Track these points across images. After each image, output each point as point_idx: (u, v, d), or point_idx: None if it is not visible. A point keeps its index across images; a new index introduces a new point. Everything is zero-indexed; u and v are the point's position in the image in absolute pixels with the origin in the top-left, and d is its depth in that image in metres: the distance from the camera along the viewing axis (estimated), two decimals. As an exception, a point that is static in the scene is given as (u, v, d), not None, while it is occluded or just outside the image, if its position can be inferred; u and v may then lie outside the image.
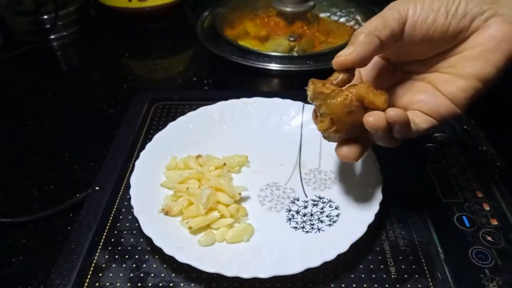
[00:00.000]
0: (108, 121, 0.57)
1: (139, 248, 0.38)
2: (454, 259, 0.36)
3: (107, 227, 0.40)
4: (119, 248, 0.38)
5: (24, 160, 0.53)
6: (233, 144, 0.47)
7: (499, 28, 0.30)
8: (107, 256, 0.37)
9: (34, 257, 0.41)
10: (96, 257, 0.37)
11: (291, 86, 0.62)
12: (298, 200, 0.41)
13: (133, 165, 0.43)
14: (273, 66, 0.60)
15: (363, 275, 0.35)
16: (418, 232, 0.39)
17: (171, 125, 0.48)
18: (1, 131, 0.57)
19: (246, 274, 0.33)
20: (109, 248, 0.38)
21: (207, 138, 0.48)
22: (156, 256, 0.37)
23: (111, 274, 0.36)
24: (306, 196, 0.42)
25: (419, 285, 0.34)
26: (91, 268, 0.36)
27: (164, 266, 0.36)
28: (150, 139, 0.46)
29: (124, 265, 0.36)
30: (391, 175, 0.43)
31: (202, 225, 0.38)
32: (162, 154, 0.45)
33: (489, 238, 0.38)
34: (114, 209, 0.41)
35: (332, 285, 0.35)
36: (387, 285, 0.34)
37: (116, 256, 0.37)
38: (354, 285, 0.35)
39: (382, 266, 0.36)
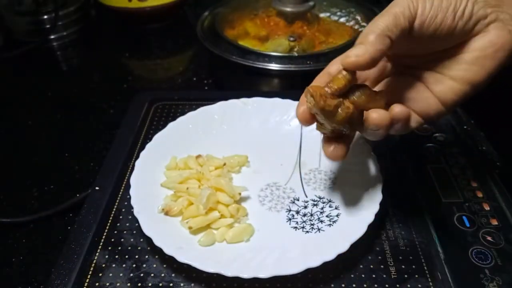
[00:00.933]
0: (108, 121, 0.57)
1: (139, 248, 0.38)
2: (454, 259, 0.36)
3: (107, 227, 0.40)
4: (119, 248, 0.38)
5: (24, 160, 0.53)
6: (233, 144, 0.47)
7: (498, 35, 0.30)
8: (107, 256, 0.37)
9: (34, 257, 0.41)
10: (96, 257, 0.37)
11: (291, 86, 0.62)
12: (298, 200, 0.41)
13: (133, 165, 0.43)
14: (273, 66, 0.60)
15: (363, 275, 0.35)
16: (418, 232, 0.39)
17: (171, 125, 0.48)
18: (1, 131, 0.58)
19: (246, 274, 0.33)
20: (109, 248, 0.38)
21: (207, 138, 0.48)
22: (156, 256, 0.37)
23: (111, 274, 0.36)
24: (306, 196, 0.42)
25: (419, 285, 0.34)
26: (91, 268, 0.36)
27: (164, 266, 0.36)
28: (150, 139, 0.46)
29: (124, 265, 0.36)
30: (391, 175, 0.43)
31: (202, 225, 0.38)
32: (162, 154, 0.45)
33: (489, 238, 0.38)
34: (114, 209, 0.41)
35: (332, 285, 0.35)
36: (387, 285, 0.34)
37: (116, 256, 0.37)
38: (354, 285, 0.35)
39: (382, 266, 0.36)
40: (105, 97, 0.63)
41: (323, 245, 0.35)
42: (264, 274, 0.33)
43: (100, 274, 0.36)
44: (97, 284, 0.35)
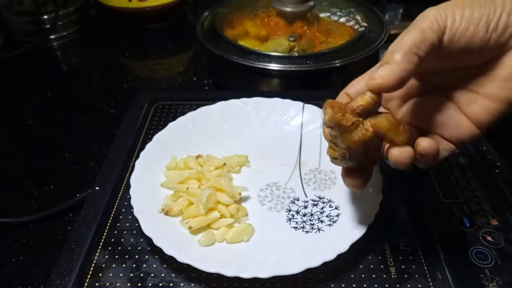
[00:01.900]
0: (108, 121, 0.57)
1: (139, 248, 0.38)
2: (454, 259, 0.36)
3: (107, 227, 0.40)
4: (119, 248, 0.38)
5: (24, 160, 0.53)
6: (233, 144, 0.47)
7: None
8: (107, 256, 0.37)
9: (34, 257, 0.41)
10: (96, 257, 0.37)
11: (291, 86, 0.62)
12: (298, 200, 0.41)
13: (133, 165, 0.43)
14: (273, 66, 0.60)
15: (363, 275, 0.35)
16: (418, 232, 0.39)
17: (171, 125, 0.47)
18: (1, 131, 0.58)
19: (246, 274, 0.33)
20: (109, 248, 0.38)
21: (207, 138, 0.48)
22: (156, 256, 0.37)
23: (111, 274, 0.36)
24: (306, 196, 0.42)
25: (419, 285, 0.34)
26: (91, 268, 0.36)
27: (164, 266, 0.36)
28: (150, 139, 0.46)
29: (124, 265, 0.36)
30: (391, 175, 0.43)
31: (202, 225, 0.38)
32: (162, 154, 0.45)
33: (489, 238, 0.38)
34: (114, 209, 0.41)
35: (332, 285, 0.35)
36: (387, 285, 0.34)
37: (116, 256, 0.37)
38: (354, 285, 0.35)
39: (382, 266, 0.36)
40: (105, 97, 0.63)
41: (323, 245, 0.35)
42: (264, 274, 0.33)
43: (100, 274, 0.36)
44: (97, 284, 0.35)
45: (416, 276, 0.35)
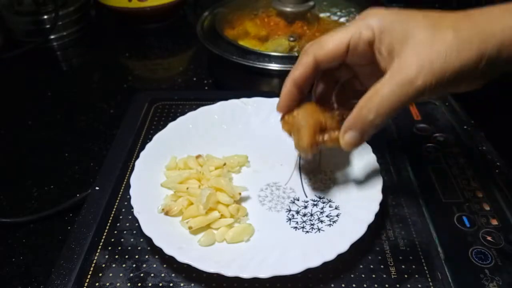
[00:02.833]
0: (108, 121, 0.57)
1: (139, 248, 0.38)
2: (454, 259, 0.36)
3: (107, 227, 0.40)
4: (119, 248, 0.38)
5: (24, 160, 0.53)
6: (233, 144, 0.47)
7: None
8: (107, 256, 0.37)
9: (34, 257, 0.41)
10: (96, 257, 0.37)
11: (291, 86, 0.61)
12: (298, 200, 0.41)
13: (133, 165, 0.43)
14: (273, 66, 0.60)
15: (363, 275, 0.35)
16: (418, 232, 0.39)
17: (171, 125, 0.47)
18: (1, 131, 0.58)
19: (246, 274, 0.33)
20: (109, 248, 0.38)
21: (207, 138, 0.48)
22: (156, 256, 0.37)
23: (111, 274, 0.36)
24: (306, 196, 0.42)
25: (419, 285, 0.34)
26: (91, 268, 0.36)
27: (164, 266, 0.36)
28: (150, 139, 0.46)
29: (124, 265, 0.36)
30: (391, 175, 0.44)
31: (202, 225, 0.38)
32: (162, 154, 0.45)
33: (489, 238, 0.38)
34: (114, 209, 0.41)
35: (332, 285, 0.35)
36: (387, 285, 0.34)
37: (116, 256, 0.37)
38: (354, 285, 0.35)
39: (382, 266, 0.36)
40: (105, 97, 0.63)
41: (323, 245, 0.35)
42: (264, 274, 0.33)
43: (100, 274, 0.36)
44: (97, 284, 0.35)
45: (416, 276, 0.35)
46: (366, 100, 0.32)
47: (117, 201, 0.42)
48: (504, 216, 0.40)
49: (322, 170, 0.44)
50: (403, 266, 0.36)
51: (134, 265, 0.36)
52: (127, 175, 0.45)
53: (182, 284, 0.35)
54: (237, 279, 0.33)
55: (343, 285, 0.35)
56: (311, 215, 0.40)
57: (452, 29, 0.30)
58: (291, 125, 0.37)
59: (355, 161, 0.43)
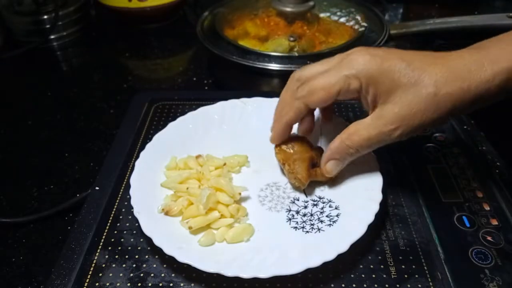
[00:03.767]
0: (108, 121, 0.57)
1: (139, 248, 0.38)
2: (454, 259, 0.36)
3: (107, 227, 0.40)
4: (119, 248, 0.38)
5: (24, 160, 0.53)
6: (233, 144, 0.47)
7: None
8: (107, 256, 0.37)
9: (34, 257, 0.41)
10: (96, 257, 0.37)
11: (291, 86, 0.61)
12: (298, 200, 0.41)
13: (133, 165, 0.43)
14: (273, 66, 0.60)
15: (363, 275, 0.35)
16: (418, 232, 0.39)
17: (171, 125, 0.47)
18: (2, 131, 0.58)
19: (246, 274, 0.33)
20: (109, 248, 0.38)
21: (207, 138, 0.48)
22: (156, 256, 0.37)
23: (111, 274, 0.36)
24: (306, 196, 0.42)
25: (419, 285, 0.34)
26: (91, 268, 0.36)
27: (164, 266, 0.36)
28: (150, 139, 0.46)
29: (124, 265, 0.36)
30: (391, 175, 0.44)
31: (202, 225, 0.38)
32: (162, 154, 0.45)
33: (489, 238, 0.38)
34: (114, 209, 0.41)
35: (332, 285, 0.35)
36: (387, 285, 0.34)
37: (116, 256, 0.37)
38: (354, 285, 0.35)
39: (382, 266, 0.36)
40: (105, 97, 0.63)
41: (323, 245, 0.35)
42: (264, 274, 0.33)
43: (100, 274, 0.36)
44: (97, 284, 0.35)
45: (416, 276, 0.35)
46: (347, 136, 0.37)
47: (117, 201, 0.42)
48: (504, 216, 0.40)
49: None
50: (403, 266, 0.36)
51: (134, 265, 0.36)
52: (127, 175, 0.45)
53: (182, 284, 0.35)
54: (237, 279, 0.33)
55: (343, 285, 0.35)
56: (311, 215, 0.40)
57: (433, 87, 0.33)
58: (286, 156, 0.42)
59: (355, 161, 0.43)
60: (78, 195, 0.45)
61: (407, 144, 0.47)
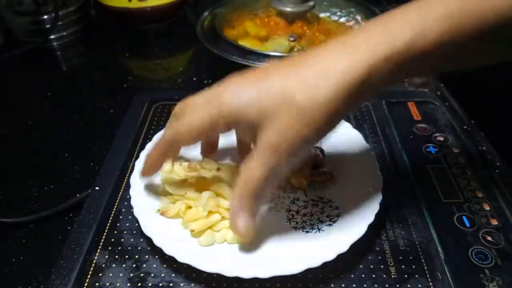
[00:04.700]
0: (108, 121, 0.57)
1: (139, 248, 0.38)
2: (454, 259, 0.36)
3: (107, 227, 0.40)
4: (119, 248, 0.38)
5: (24, 160, 0.52)
6: (233, 144, 0.47)
7: None
8: (107, 256, 0.37)
9: (34, 257, 0.41)
10: (96, 257, 0.37)
11: (291, 86, 0.61)
12: (298, 200, 0.41)
13: (133, 165, 0.43)
14: (273, 66, 0.60)
15: (363, 275, 0.35)
16: (418, 232, 0.39)
17: (171, 125, 0.47)
18: (1, 131, 0.58)
19: (246, 274, 0.33)
20: (109, 248, 0.38)
21: (207, 138, 0.48)
22: (156, 256, 0.37)
23: (111, 274, 0.36)
24: (306, 196, 0.42)
25: (419, 285, 0.34)
26: (91, 268, 0.36)
27: (164, 266, 0.36)
28: (150, 139, 0.46)
29: (124, 265, 0.36)
30: (391, 175, 0.44)
31: (204, 228, 0.38)
32: (162, 154, 0.45)
33: (489, 238, 0.38)
34: (114, 209, 0.41)
35: (332, 285, 0.35)
36: (387, 285, 0.34)
37: (116, 256, 0.37)
38: (354, 285, 0.35)
39: (382, 266, 0.36)
40: (105, 97, 0.62)
41: (323, 245, 0.35)
42: (264, 274, 0.33)
43: (100, 274, 0.36)
44: (97, 284, 0.35)
45: (416, 276, 0.35)
46: (242, 185, 0.33)
47: (117, 201, 0.42)
48: (504, 216, 0.40)
49: (322, 170, 0.44)
50: (403, 266, 0.36)
51: (134, 265, 0.36)
52: (127, 175, 0.45)
53: (182, 284, 0.35)
54: (237, 279, 0.33)
55: (343, 285, 0.35)
56: (311, 215, 0.40)
57: (295, 103, 0.30)
58: None
59: (355, 161, 0.43)
60: (78, 195, 0.45)
61: (407, 144, 0.48)
